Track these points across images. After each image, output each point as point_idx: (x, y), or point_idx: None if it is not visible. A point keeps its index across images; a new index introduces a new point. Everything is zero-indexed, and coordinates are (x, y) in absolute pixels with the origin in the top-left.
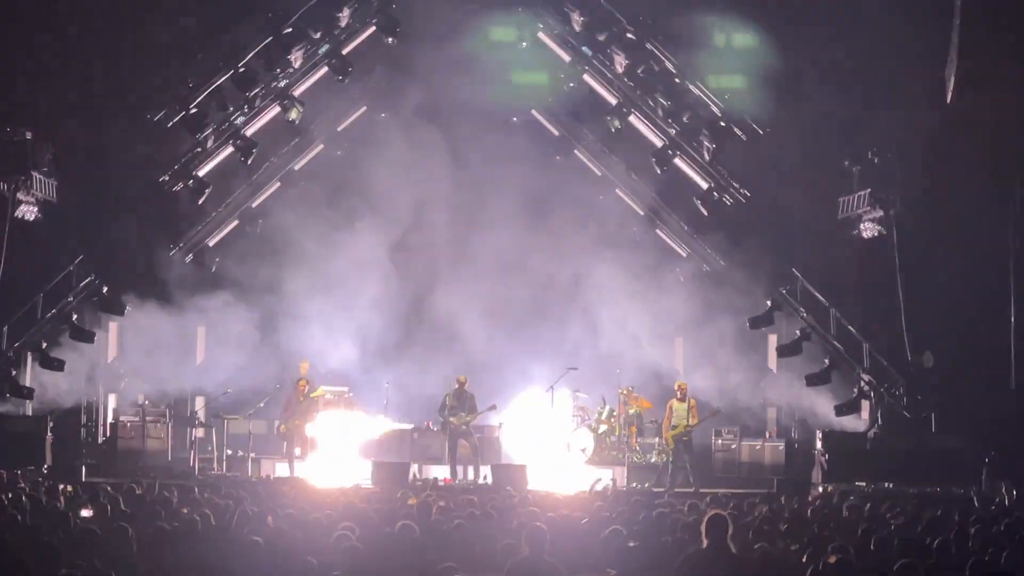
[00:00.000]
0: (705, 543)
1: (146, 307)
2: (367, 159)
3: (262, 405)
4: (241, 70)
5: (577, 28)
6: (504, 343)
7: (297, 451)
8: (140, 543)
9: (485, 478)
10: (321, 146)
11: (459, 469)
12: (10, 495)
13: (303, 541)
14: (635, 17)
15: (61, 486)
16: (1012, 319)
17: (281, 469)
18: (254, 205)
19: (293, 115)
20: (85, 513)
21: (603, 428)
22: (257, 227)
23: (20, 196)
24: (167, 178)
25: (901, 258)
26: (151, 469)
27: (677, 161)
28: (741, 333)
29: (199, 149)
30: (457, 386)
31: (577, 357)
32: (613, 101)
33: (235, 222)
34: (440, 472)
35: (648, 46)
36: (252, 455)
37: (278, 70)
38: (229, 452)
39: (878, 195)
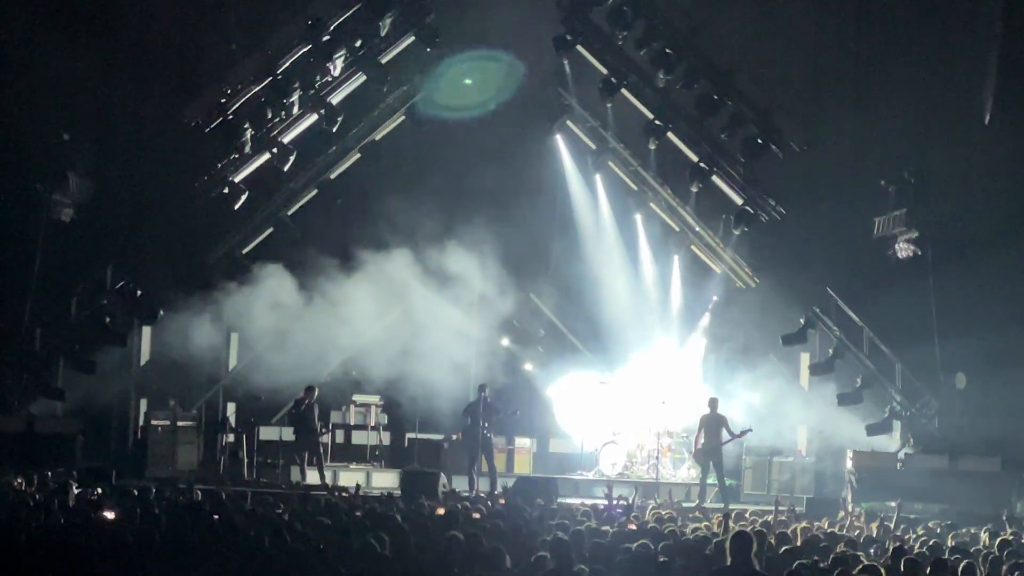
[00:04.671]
0: (729, 561)
1: (180, 311)
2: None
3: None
4: (279, 77)
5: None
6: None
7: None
8: (166, 547)
9: (506, 488)
10: (357, 155)
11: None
12: (39, 497)
13: (333, 549)
14: (675, 35)
15: (90, 489)
16: None
17: (311, 477)
18: (290, 212)
19: (330, 124)
20: (109, 515)
21: (635, 442)
22: (294, 234)
23: (56, 197)
24: (201, 183)
25: (935, 278)
26: (180, 474)
27: (713, 178)
28: (773, 350)
29: (236, 155)
30: (479, 395)
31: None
32: (651, 116)
33: (270, 228)
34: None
35: (687, 64)
36: (282, 462)
37: (317, 77)
38: (260, 459)
39: (914, 215)
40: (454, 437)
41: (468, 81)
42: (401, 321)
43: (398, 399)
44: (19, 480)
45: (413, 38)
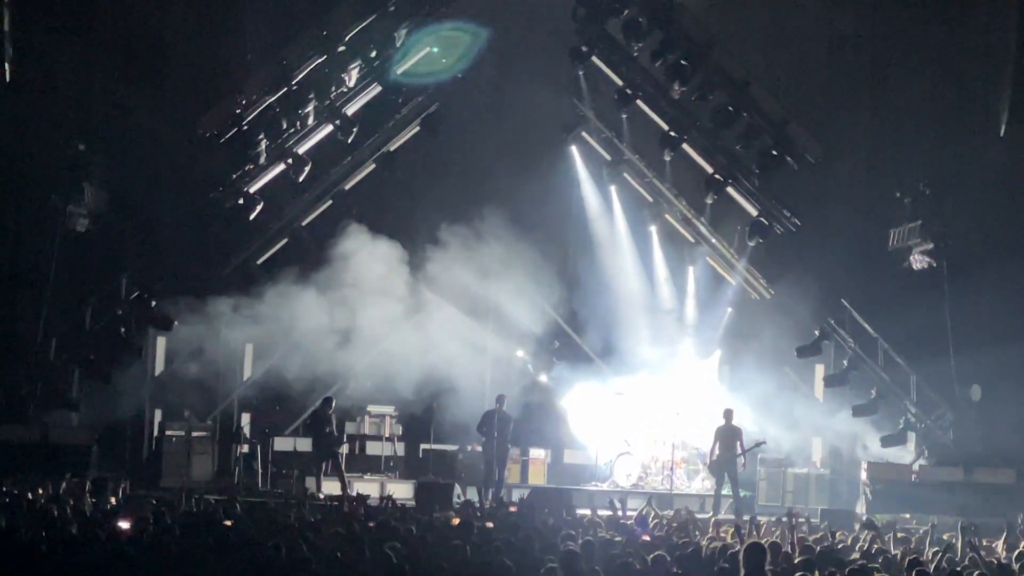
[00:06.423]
0: (743, 572)
1: (194, 322)
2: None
3: (308, 422)
4: (294, 88)
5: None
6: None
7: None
8: (180, 557)
9: (522, 499)
10: (372, 166)
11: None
12: (54, 507)
13: (346, 559)
14: (690, 47)
15: (105, 499)
16: None
17: (326, 487)
18: (304, 223)
19: (345, 134)
20: (123, 525)
21: (649, 454)
22: (308, 244)
23: (71, 207)
24: (216, 193)
25: (951, 290)
26: (195, 484)
27: (728, 189)
28: (788, 362)
29: (251, 166)
30: (496, 405)
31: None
32: (666, 127)
33: (285, 239)
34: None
35: (702, 75)
36: (297, 472)
37: (332, 88)
38: (274, 469)
39: (929, 227)
40: (469, 448)
41: (435, 49)
42: (416, 332)
43: (412, 410)
44: (36, 490)
45: (428, 49)
